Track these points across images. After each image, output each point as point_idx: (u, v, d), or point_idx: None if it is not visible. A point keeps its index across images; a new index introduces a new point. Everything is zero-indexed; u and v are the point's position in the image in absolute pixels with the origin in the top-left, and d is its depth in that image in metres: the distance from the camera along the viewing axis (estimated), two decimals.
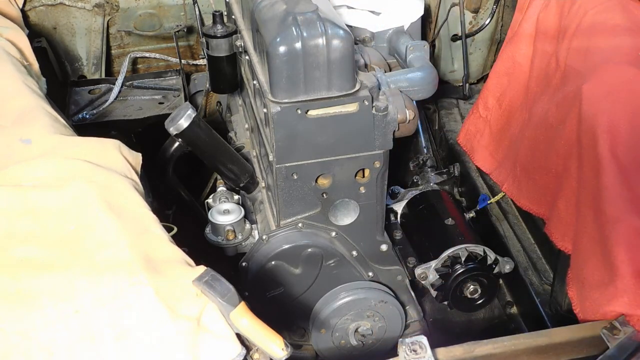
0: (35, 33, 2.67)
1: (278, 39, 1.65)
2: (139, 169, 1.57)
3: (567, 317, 1.99)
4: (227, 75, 2.20)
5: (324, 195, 1.87)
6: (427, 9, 2.83)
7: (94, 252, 1.24)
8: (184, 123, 1.92)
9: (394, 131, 1.83)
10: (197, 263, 1.28)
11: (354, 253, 2.00)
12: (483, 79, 3.14)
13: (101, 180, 1.41)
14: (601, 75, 1.87)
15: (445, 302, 2.19)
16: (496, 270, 2.18)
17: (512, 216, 2.57)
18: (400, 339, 1.42)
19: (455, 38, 3.00)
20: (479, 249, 2.15)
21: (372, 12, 2.35)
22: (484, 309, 2.33)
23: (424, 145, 2.87)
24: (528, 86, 2.32)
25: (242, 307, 1.20)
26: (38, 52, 2.26)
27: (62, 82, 2.83)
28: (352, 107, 1.74)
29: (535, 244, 2.45)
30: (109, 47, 2.95)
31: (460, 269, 2.12)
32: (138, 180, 1.51)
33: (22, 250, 1.24)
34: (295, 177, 1.81)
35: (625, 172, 1.68)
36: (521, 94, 2.36)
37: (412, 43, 2.21)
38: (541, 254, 2.42)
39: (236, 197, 2.14)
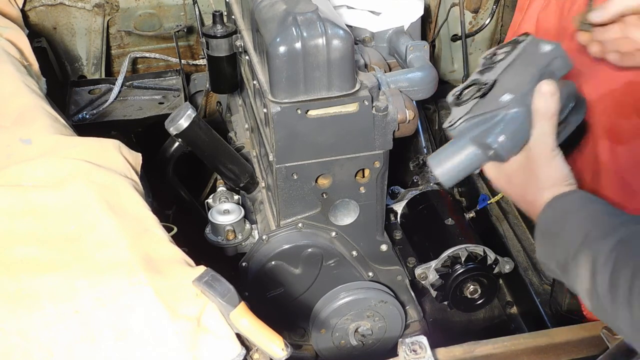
0: (35, 33, 2.66)
1: (278, 39, 1.65)
2: (139, 169, 1.57)
3: (567, 317, 1.99)
4: (227, 75, 2.19)
5: (324, 195, 1.87)
6: (427, 9, 2.82)
7: (94, 252, 1.24)
8: (184, 123, 1.92)
9: (394, 131, 1.83)
10: (197, 263, 1.28)
11: (354, 253, 2.00)
12: None
13: (101, 180, 1.41)
14: (601, 75, 1.87)
15: (445, 302, 2.18)
16: (496, 270, 2.18)
17: (512, 216, 2.57)
18: (400, 339, 1.42)
19: (455, 38, 3.00)
20: (479, 249, 2.14)
21: (372, 12, 2.35)
22: (484, 309, 2.33)
23: (424, 145, 2.86)
24: None
25: (242, 307, 1.20)
26: (38, 52, 2.26)
27: (62, 82, 2.82)
28: (352, 107, 1.74)
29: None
30: (109, 47, 2.95)
31: (460, 269, 2.11)
32: (138, 180, 1.51)
33: (22, 250, 1.24)
34: (295, 177, 1.81)
35: (625, 172, 1.68)
36: None
37: (412, 43, 2.20)
38: None
39: (236, 197, 2.14)
